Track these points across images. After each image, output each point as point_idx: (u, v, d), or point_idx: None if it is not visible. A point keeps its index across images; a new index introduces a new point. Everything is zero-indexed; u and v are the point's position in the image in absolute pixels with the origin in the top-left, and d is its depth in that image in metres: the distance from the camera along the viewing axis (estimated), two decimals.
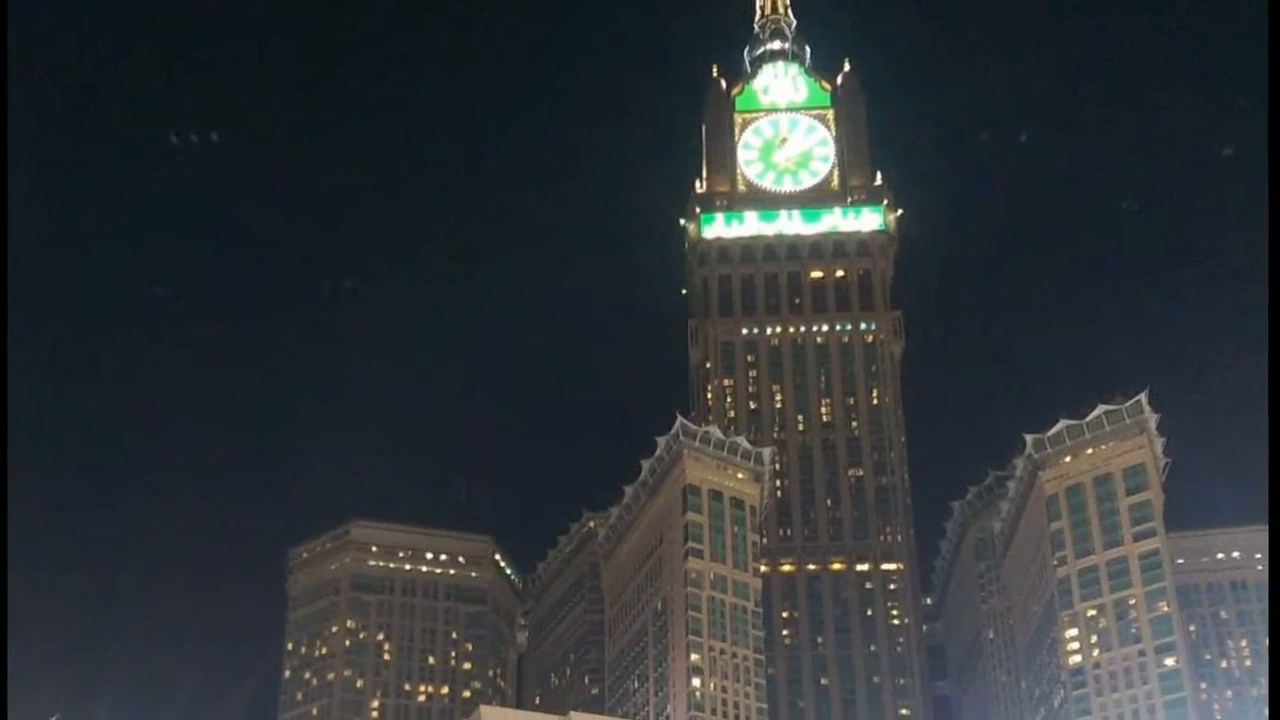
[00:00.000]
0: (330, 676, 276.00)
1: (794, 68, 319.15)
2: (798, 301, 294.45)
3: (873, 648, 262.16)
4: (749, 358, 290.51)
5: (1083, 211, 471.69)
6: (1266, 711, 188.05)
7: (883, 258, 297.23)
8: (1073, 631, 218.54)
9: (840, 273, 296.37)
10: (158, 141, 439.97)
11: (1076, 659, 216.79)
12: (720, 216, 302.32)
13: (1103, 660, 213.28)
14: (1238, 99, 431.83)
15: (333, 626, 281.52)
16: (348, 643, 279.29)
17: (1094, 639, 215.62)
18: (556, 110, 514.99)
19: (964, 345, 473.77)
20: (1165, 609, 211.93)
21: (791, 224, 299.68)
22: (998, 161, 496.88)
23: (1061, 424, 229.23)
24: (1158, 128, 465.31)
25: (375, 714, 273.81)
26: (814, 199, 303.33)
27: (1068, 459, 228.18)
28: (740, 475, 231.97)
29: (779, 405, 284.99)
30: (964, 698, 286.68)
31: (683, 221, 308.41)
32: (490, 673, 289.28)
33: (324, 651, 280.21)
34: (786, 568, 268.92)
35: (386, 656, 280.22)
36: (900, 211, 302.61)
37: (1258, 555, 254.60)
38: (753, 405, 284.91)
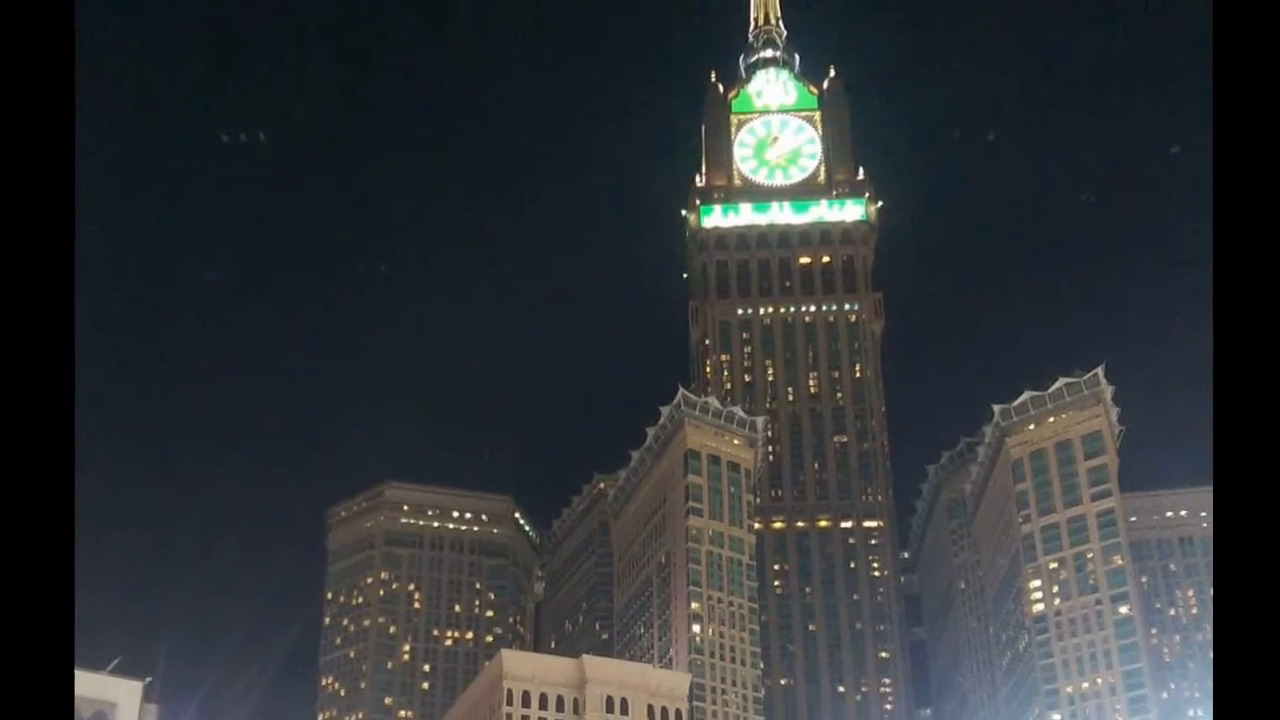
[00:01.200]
0: (366, 623, 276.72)
1: (784, 73, 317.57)
2: (788, 285, 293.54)
3: (855, 597, 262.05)
4: (744, 335, 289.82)
5: (1045, 203, 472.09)
6: (1211, 655, 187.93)
7: (864, 245, 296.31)
8: (1036, 583, 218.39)
9: (826, 258, 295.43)
10: (210, 140, 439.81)
11: (1039, 607, 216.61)
12: (718, 208, 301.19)
13: (1063, 608, 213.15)
14: (1185, 102, 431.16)
15: (368, 578, 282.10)
16: (382, 593, 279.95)
17: (1055, 589, 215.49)
18: (568, 111, 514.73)
19: (938, 324, 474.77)
20: (1119, 562, 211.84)
21: (782, 214, 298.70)
22: (968, 158, 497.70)
23: (1026, 395, 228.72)
24: (1112, 127, 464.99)
25: (406, 656, 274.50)
26: (802, 192, 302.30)
27: (1031, 427, 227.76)
28: (736, 441, 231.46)
29: (771, 378, 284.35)
30: (938, 642, 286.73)
31: (684, 212, 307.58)
32: (510, 619, 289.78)
33: (360, 600, 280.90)
34: (778, 525, 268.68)
35: (417, 605, 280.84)
36: (880, 203, 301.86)
37: (1203, 514, 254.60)
38: (747, 378, 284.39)
